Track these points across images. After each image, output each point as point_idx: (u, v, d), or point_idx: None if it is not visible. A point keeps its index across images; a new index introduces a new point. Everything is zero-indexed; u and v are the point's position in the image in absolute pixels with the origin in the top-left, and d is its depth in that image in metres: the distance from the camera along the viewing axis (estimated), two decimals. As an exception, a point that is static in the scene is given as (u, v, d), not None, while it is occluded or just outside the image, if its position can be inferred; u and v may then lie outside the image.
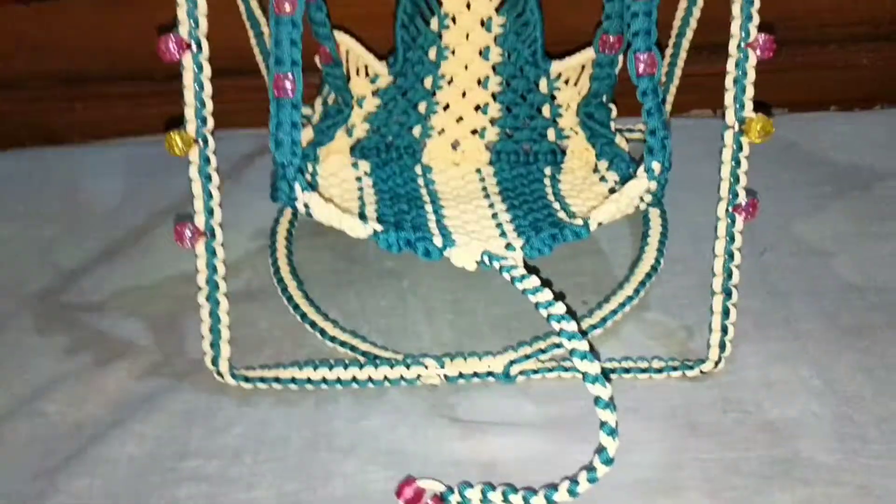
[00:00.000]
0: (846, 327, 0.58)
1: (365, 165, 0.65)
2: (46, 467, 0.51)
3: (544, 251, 0.51)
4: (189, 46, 0.50)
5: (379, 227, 0.50)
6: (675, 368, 0.55)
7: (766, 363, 0.56)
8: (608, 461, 0.43)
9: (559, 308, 0.46)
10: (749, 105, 0.52)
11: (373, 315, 0.61)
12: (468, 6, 0.62)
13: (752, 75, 0.52)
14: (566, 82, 0.65)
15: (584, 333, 0.48)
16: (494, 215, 0.58)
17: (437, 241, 0.51)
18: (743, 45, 0.52)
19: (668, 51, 0.70)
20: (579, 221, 0.52)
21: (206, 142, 0.52)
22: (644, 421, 0.52)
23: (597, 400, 0.43)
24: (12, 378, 0.57)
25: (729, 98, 0.52)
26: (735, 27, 0.52)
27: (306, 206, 0.51)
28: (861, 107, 0.82)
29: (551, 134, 0.66)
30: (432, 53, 0.64)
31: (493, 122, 0.66)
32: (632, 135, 0.76)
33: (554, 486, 0.45)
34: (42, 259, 0.67)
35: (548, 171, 0.65)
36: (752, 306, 0.59)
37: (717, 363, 0.55)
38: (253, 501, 0.49)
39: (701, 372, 0.55)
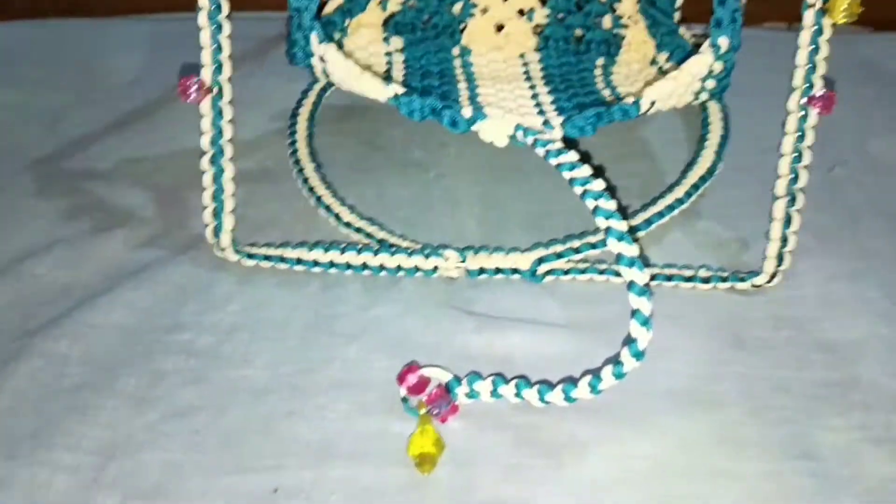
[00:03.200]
0: (921, 249, 0.51)
1: (397, 41, 0.59)
2: (27, 329, 0.47)
3: (587, 130, 0.45)
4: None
5: (401, 90, 0.45)
6: (723, 279, 0.49)
7: (829, 280, 0.49)
8: (638, 354, 0.38)
9: (599, 185, 0.40)
10: (835, -22, 0.45)
11: (393, 204, 0.56)
12: None
13: (843, -57, 0.45)
14: (627, -38, 0.59)
15: (633, 231, 0.42)
16: (535, 96, 0.52)
17: (467, 111, 0.45)
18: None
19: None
20: (630, 100, 0.46)
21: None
22: (683, 329, 0.46)
23: (630, 285, 0.37)
24: (5, 238, 0.53)
25: (813, -30, 0.46)
26: None
27: (322, 59, 0.45)
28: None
29: (607, 21, 0.60)
30: (478, -82, 0.58)
31: (543, 2, 0.60)
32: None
33: (574, 381, 0.39)
34: (51, 127, 0.63)
35: (600, 61, 0.59)
36: (817, 221, 0.53)
37: (772, 277, 0.49)
38: (244, 379, 0.44)
39: (753, 286, 0.49)
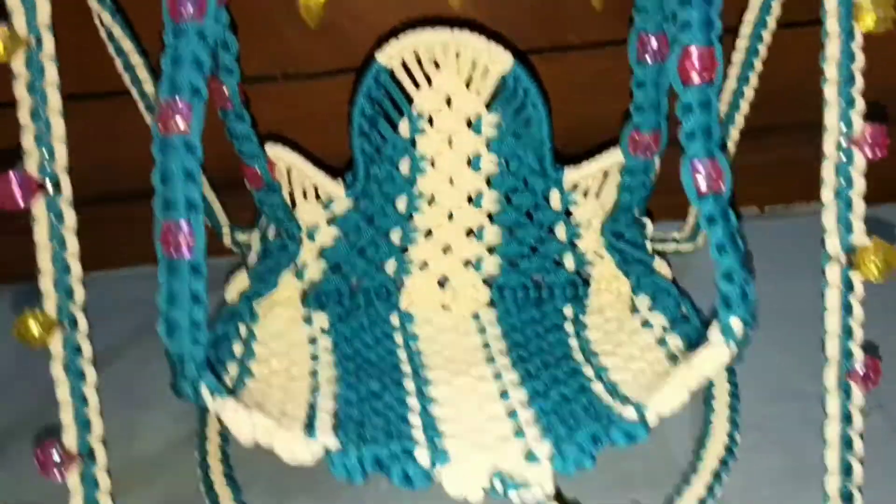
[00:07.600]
0: None
1: (322, 319, 0.48)
2: None
3: (584, 463, 0.34)
4: (42, 187, 0.34)
5: (333, 444, 0.33)
6: None
7: None
8: None
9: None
10: (860, 227, 0.36)
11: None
12: (448, 102, 0.46)
13: (860, 184, 0.36)
14: (585, 194, 0.49)
15: None
16: (504, 394, 0.41)
17: (423, 456, 0.34)
18: (844, 142, 0.36)
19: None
20: (631, 413, 0.35)
21: (74, 324, 0.36)
22: None
23: None
24: None
25: (829, 219, 0.37)
26: (831, 117, 0.36)
27: (219, 418, 0.34)
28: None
29: (569, 261, 0.50)
30: (404, 166, 0.48)
31: (491, 250, 0.50)
32: (665, 246, 0.59)
33: None
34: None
35: (568, 311, 0.49)
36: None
37: None
38: None
39: None
